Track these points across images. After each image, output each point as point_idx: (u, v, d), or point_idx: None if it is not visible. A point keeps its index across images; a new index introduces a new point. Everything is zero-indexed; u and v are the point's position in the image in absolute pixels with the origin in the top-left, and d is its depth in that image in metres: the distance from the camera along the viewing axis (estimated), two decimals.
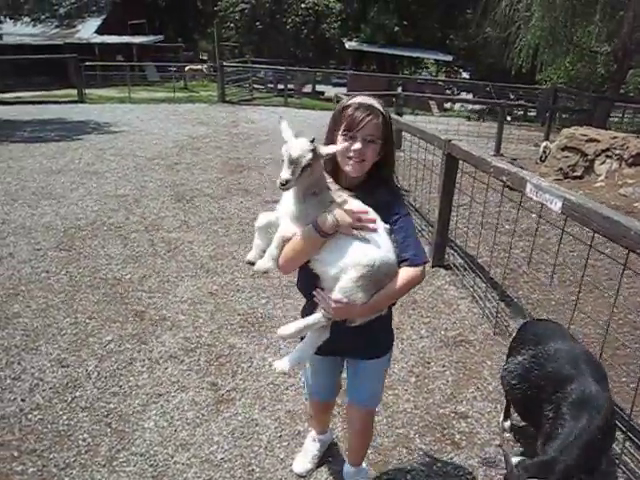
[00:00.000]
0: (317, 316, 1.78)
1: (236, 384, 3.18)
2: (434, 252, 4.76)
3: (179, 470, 2.54)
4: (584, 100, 16.53)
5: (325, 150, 1.69)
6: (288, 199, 1.77)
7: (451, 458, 2.67)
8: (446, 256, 4.88)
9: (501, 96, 19.43)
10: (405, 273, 1.78)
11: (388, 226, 1.80)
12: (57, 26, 27.71)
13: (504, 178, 3.42)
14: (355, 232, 1.72)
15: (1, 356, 3.42)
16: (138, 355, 3.44)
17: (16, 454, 2.64)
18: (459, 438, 2.80)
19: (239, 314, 4.00)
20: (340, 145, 1.77)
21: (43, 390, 3.10)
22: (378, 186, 1.87)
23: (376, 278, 1.72)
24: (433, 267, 4.76)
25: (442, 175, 4.50)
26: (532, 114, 21.49)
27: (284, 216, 1.77)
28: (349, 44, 27.47)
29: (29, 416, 2.89)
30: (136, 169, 8.29)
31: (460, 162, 4.36)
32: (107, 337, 3.63)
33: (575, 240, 4.74)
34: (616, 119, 17.78)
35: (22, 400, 3.02)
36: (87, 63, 18.09)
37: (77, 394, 3.07)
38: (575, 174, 8.43)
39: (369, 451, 2.61)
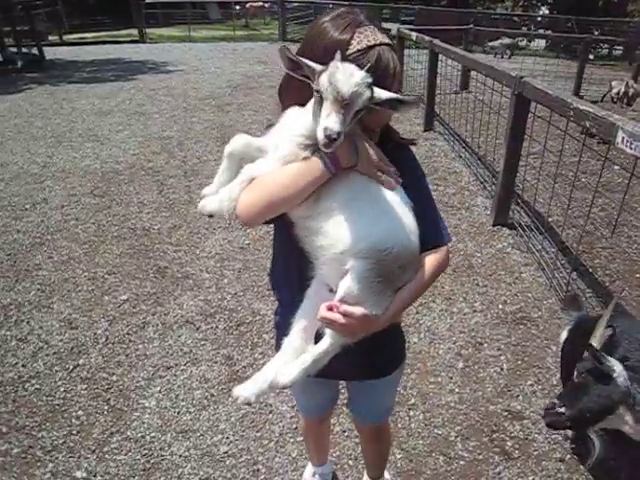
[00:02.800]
0: (326, 345, 1.19)
1: (254, 359, 2.78)
2: (497, 208, 4.08)
3: (174, 463, 2.19)
4: None
5: (385, 94, 1.08)
6: (289, 130, 1.16)
7: (499, 473, 2.15)
8: (510, 213, 4.15)
9: (584, 32, 17.42)
10: (428, 261, 1.24)
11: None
12: None
13: (587, 124, 2.71)
14: (379, 174, 1.15)
15: (12, 313, 3.18)
16: (152, 318, 3.09)
17: (4, 430, 2.37)
18: (511, 446, 2.27)
19: (268, 273, 3.57)
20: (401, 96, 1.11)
21: (46, 355, 2.82)
22: (383, 140, 1.27)
23: (391, 270, 1.15)
24: (494, 226, 4.07)
25: (510, 118, 3.77)
26: (619, 52, 19.23)
27: (274, 150, 1.17)
28: None
29: (26, 385, 2.62)
30: (185, 110, 7.90)
31: (532, 104, 3.62)
32: (123, 296, 3.31)
33: None
34: None
35: (23, 366, 2.75)
36: (148, 1, 17.66)
37: (80, 362, 2.77)
38: None
39: (398, 455, 2.17)
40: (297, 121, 1.15)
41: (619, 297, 3.12)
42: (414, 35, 7.85)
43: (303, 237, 1.21)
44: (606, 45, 18.81)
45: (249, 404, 1.27)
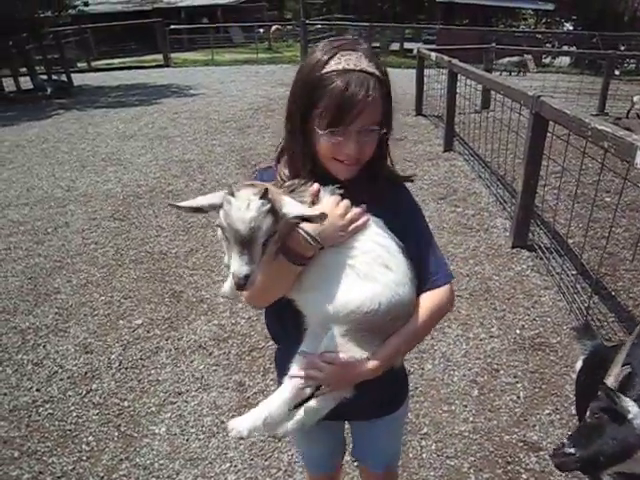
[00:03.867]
0: (315, 401, 1.20)
1: (266, 385, 2.76)
2: (515, 229, 4.00)
3: None
4: None
5: (293, 210, 1.05)
6: None
7: None
8: (530, 235, 4.08)
9: (610, 48, 17.22)
10: (428, 301, 1.21)
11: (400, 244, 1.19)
12: None
13: (605, 144, 2.65)
14: (352, 229, 1.14)
15: (30, 337, 3.23)
16: (165, 344, 3.10)
17: (16, 455, 2.39)
18: (526, 479, 2.19)
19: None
20: (321, 203, 1.14)
21: (60, 380, 2.85)
22: (375, 177, 1.24)
23: (381, 324, 1.14)
24: (514, 248, 4.00)
25: (528, 138, 3.73)
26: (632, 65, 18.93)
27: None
28: None
29: (40, 410, 2.64)
30: (207, 132, 8.02)
31: (551, 123, 3.57)
32: (137, 320, 3.33)
33: None
34: None
35: (37, 390, 2.78)
36: (172, 27, 18.13)
37: (93, 386, 2.78)
38: None
39: None
40: None
41: None
42: (433, 55, 7.87)
43: (298, 302, 1.22)
44: (633, 60, 18.54)
45: (242, 438, 1.24)
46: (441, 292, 1.23)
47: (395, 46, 21.86)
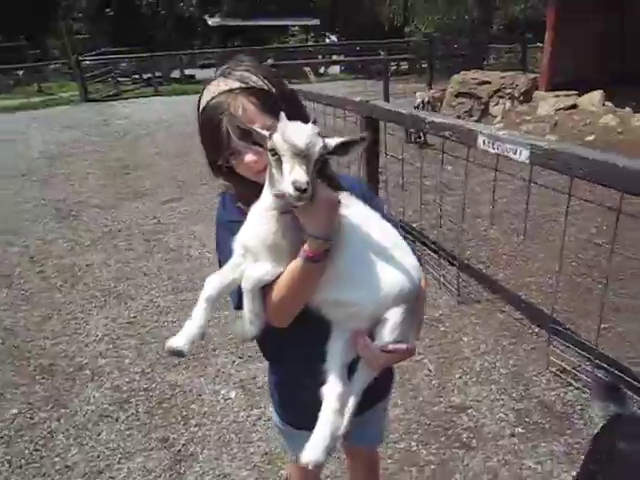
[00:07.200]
0: (364, 377, 1.23)
1: (192, 433, 2.61)
2: None
3: None
4: (460, 46, 16.87)
5: (334, 141, 1.08)
6: (255, 227, 1.16)
7: (467, 464, 2.30)
8: None
9: (372, 55, 19.34)
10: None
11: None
12: None
13: (446, 134, 3.05)
14: (363, 228, 1.18)
15: None
16: (59, 425, 2.73)
17: None
18: (467, 437, 2.43)
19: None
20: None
21: None
22: (327, 176, 1.24)
23: (413, 304, 1.20)
24: None
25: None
26: (404, 67, 21.65)
27: (258, 254, 1.16)
28: (212, 20, 26.17)
29: None
30: (5, 189, 7.15)
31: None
32: (12, 410, 2.88)
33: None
34: (486, 61, 18.37)
35: None
36: None
37: None
38: (473, 119, 8.41)
39: None
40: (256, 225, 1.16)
41: None
42: None
43: (321, 311, 1.21)
44: (393, 63, 21.01)
45: (318, 466, 1.20)
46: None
47: (175, 73, 21.67)
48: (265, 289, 1.16)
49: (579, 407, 2.61)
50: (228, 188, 1.36)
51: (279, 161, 1.03)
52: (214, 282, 1.20)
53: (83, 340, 3.47)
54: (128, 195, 6.54)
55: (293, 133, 1.02)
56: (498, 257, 4.15)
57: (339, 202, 1.12)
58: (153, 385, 2.98)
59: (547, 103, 8.00)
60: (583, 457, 1.81)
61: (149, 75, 19.56)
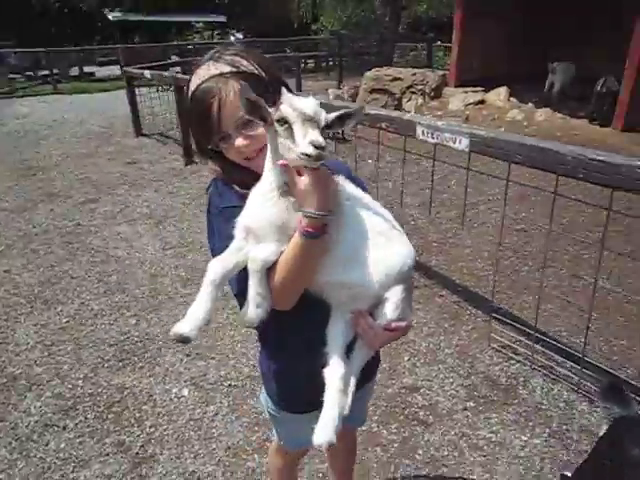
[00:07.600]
0: (363, 356, 1.27)
1: (148, 434, 2.51)
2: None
3: None
4: (368, 45, 17.28)
5: (333, 114, 1.09)
6: (260, 209, 1.15)
7: (428, 440, 2.40)
8: None
9: (278, 52, 19.37)
10: None
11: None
12: None
13: (383, 125, 3.14)
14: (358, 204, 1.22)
15: None
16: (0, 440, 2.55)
17: None
18: (424, 415, 2.54)
19: (110, 344, 3.23)
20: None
21: None
22: None
23: (410, 282, 1.27)
24: None
25: None
26: (311, 65, 21.82)
27: (264, 235, 1.14)
28: (113, 15, 24.99)
29: None
30: None
31: None
32: None
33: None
34: (395, 58, 19.00)
35: None
36: None
37: None
38: None
39: None
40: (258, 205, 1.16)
41: None
42: (147, 73, 7.77)
43: (323, 294, 1.23)
44: (310, 60, 21.15)
45: (331, 446, 1.22)
46: None
47: (75, 71, 20.49)
48: (268, 271, 1.15)
49: (522, 379, 2.80)
50: (218, 174, 1.34)
51: (289, 130, 1.03)
52: (216, 267, 1.17)
53: (13, 349, 3.23)
54: (40, 197, 6.13)
55: (301, 101, 1.04)
56: (429, 245, 4.34)
57: (332, 174, 1.15)
58: (99, 390, 2.84)
59: (457, 99, 8.43)
60: (585, 460, 1.85)
61: (46, 72, 18.36)
